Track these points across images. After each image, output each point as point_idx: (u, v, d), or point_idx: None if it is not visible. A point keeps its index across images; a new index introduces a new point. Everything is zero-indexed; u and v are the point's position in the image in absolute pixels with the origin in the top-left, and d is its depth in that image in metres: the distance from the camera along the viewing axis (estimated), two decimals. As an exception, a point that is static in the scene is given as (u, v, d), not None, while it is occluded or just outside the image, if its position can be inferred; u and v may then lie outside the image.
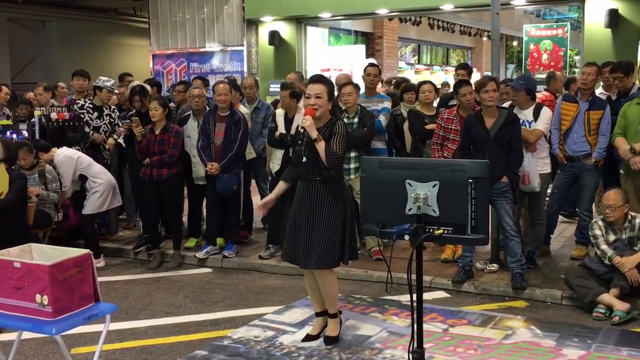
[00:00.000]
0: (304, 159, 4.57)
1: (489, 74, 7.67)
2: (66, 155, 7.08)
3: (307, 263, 4.63)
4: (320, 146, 4.45)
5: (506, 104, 6.64)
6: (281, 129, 6.75)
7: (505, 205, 5.83)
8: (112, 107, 8.08)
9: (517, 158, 5.88)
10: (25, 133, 7.93)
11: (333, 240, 4.56)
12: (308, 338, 4.88)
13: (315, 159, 4.50)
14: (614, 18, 9.18)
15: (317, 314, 4.93)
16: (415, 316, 3.41)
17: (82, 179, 7.24)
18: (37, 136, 7.67)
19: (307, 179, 4.62)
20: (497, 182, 5.74)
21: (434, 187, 3.31)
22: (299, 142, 4.67)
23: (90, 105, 7.87)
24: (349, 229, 4.63)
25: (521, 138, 5.93)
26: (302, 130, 4.58)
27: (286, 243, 4.79)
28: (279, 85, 10.32)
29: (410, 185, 3.35)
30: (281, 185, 4.87)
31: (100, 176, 7.19)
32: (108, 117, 7.93)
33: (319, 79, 4.69)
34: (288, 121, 6.70)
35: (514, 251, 5.89)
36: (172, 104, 7.91)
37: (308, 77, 10.13)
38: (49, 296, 3.51)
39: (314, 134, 4.45)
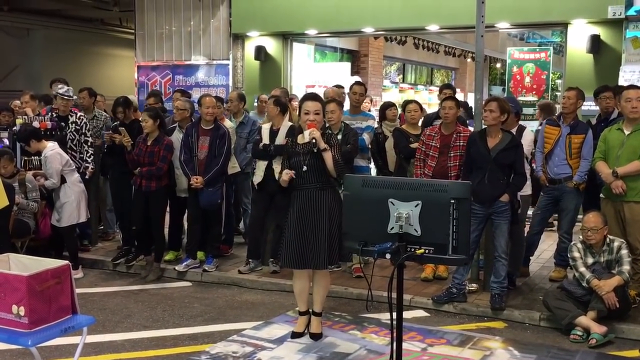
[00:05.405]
0: (305, 168, 4.91)
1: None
2: (56, 152, 6.98)
3: (317, 264, 4.95)
4: (328, 155, 4.88)
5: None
6: (265, 141, 6.75)
7: (503, 226, 5.82)
8: (79, 114, 7.79)
9: (520, 180, 5.89)
10: (7, 141, 7.86)
11: (335, 239, 4.89)
12: (295, 335, 5.19)
13: (316, 167, 4.88)
14: (595, 44, 9.30)
15: (301, 313, 5.28)
16: (395, 334, 3.41)
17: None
18: (17, 144, 7.59)
19: (306, 188, 4.95)
20: (497, 201, 5.76)
21: (416, 206, 3.33)
22: (298, 150, 5.00)
23: (56, 119, 7.67)
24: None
25: (524, 162, 5.98)
26: (309, 140, 4.87)
27: (290, 250, 4.99)
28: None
29: (393, 204, 3.37)
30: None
31: (78, 184, 7.13)
32: (74, 125, 7.66)
33: (315, 97, 5.16)
34: (273, 133, 6.73)
35: (499, 273, 5.89)
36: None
37: (293, 93, 10.23)
38: (25, 307, 3.47)
39: (322, 144, 4.85)
